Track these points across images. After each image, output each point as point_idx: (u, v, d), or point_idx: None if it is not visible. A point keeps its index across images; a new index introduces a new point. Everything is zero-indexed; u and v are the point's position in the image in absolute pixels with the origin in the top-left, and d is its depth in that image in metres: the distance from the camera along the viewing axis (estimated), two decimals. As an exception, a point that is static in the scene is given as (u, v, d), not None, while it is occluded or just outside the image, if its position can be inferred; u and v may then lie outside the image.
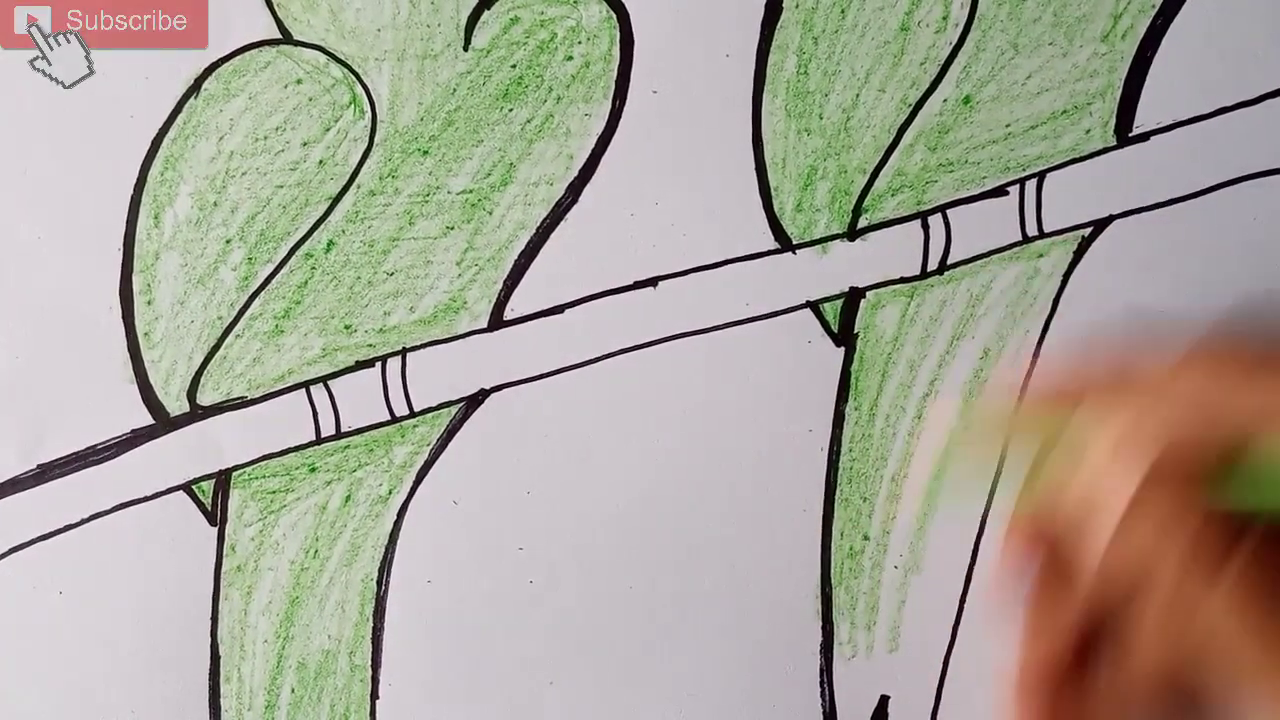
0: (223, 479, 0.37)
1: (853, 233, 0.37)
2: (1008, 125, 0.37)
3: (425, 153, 0.36)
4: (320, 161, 0.36)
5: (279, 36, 0.36)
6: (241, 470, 0.37)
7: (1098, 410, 0.29)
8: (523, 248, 0.37)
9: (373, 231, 0.36)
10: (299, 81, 0.36)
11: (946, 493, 0.37)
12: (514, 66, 0.36)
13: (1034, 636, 0.29)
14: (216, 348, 0.36)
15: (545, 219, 0.37)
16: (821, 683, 0.37)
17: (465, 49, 0.36)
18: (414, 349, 0.37)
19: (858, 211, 0.37)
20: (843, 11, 0.36)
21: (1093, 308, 0.37)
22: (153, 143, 0.36)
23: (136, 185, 0.36)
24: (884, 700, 0.37)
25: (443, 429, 0.37)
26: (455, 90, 0.36)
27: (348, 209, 0.36)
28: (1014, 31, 0.36)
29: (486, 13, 0.36)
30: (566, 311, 0.37)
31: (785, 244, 0.37)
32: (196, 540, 0.37)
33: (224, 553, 0.37)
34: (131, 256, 0.36)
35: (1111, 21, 0.36)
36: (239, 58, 0.36)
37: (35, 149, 0.36)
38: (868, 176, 0.37)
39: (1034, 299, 0.37)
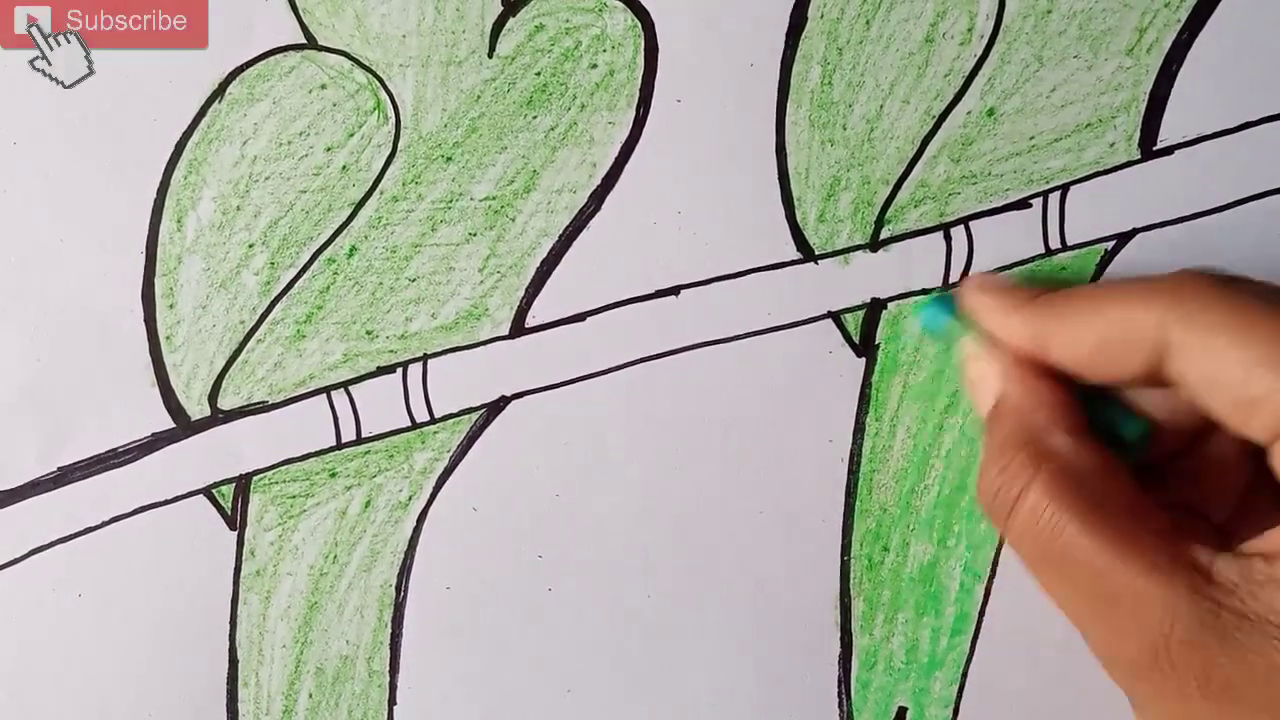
0: (243, 483, 0.37)
1: (875, 244, 0.37)
2: (1031, 138, 0.37)
3: (448, 159, 0.36)
4: (343, 167, 0.36)
5: (303, 41, 0.36)
6: (262, 475, 0.37)
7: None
8: (545, 255, 0.37)
9: (395, 237, 0.36)
10: (323, 87, 0.36)
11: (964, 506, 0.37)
12: (538, 74, 0.36)
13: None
14: (238, 352, 0.36)
15: (568, 227, 0.37)
16: (839, 694, 0.37)
17: (490, 56, 0.36)
18: (435, 355, 0.37)
19: (880, 222, 0.37)
20: (867, 23, 0.36)
21: (1115, 321, 0.37)
22: (176, 146, 0.36)
23: (159, 189, 0.36)
24: (901, 712, 0.37)
25: (463, 435, 0.37)
26: (479, 97, 0.36)
27: (370, 215, 0.36)
28: (1039, 44, 0.36)
29: (511, 20, 0.36)
30: (588, 319, 0.37)
31: (807, 254, 0.37)
32: (216, 544, 0.37)
33: (243, 557, 0.37)
34: (154, 260, 0.36)
35: (1137, 35, 0.36)
36: (263, 62, 0.36)
37: (57, 152, 0.36)
38: (891, 188, 0.37)
39: (1056, 312, 0.37)
